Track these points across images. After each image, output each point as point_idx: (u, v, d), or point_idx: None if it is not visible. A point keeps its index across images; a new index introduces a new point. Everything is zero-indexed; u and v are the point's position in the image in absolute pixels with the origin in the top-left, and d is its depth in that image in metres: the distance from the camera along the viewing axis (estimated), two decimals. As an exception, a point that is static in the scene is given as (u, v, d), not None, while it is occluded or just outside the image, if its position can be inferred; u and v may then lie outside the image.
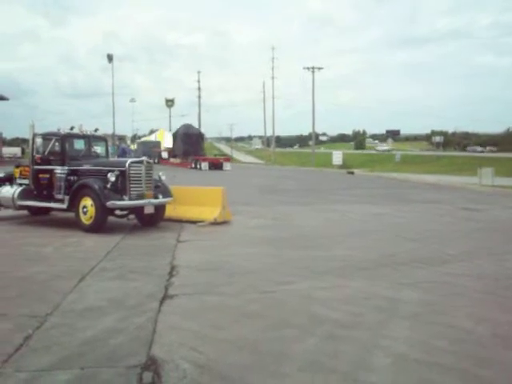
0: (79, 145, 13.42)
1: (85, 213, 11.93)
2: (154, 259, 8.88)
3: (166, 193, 12.95)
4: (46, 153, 13.09)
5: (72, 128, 13.44)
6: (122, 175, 12.01)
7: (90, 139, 13.55)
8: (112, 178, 11.82)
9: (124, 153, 63.83)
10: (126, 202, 11.85)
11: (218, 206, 13.33)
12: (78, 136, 13.47)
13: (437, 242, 10.37)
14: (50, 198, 12.98)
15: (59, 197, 12.70)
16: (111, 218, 12.66)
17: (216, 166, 45.50)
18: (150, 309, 5.91)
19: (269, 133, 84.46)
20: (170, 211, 13.77)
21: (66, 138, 13.09)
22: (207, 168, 44.61)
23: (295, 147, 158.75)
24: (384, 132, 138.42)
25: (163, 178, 13.17)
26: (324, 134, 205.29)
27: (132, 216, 13.25)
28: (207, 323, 5.38)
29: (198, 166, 45.76)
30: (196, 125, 73.85)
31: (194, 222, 13.27)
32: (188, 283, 7.15)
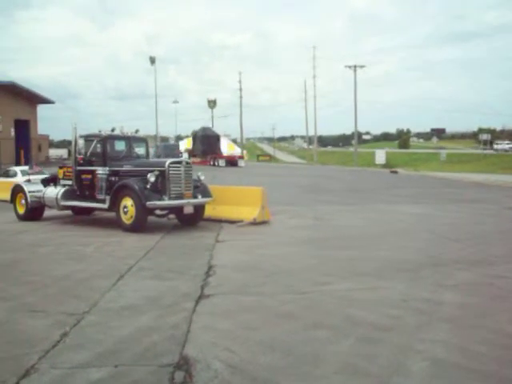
0: (120, 146, 13.67)
1: (125, 213, 12.13)
2: (192, 259, 8.93)
3: (206, 193, 13.02)
4: (88, 154, 13.39)
5: (113, 129, 13.72)
6: (162, 175, 12.15)
7: (130, 140, 13.78)
8: (152, 178, 11.98)
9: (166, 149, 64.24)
10: (166, 202, 11.98)
11: (258, 206, 13.31)
12: (118, 137, 13.72)
13: (482, 243, 10.02)
14: (92, 198, 13.28)
15: (101, 197, 12.97)
16: (152, 218, 12.84)
17: (232, 162, 49.58)
18: (185, 308, 5.93)
19: (311, 132, 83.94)
20: (209, 211, 13.86)
21: (107, 140, 13.35)
22: (224, 165, 48.69)
23: (338, 146, 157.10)
24: (429, 130, 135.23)
25: (202, 178, 13.25)
26: (367, 133, 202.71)
27: (172, 216, 13.39)
28: (241, 324, 5.35)
29: (216, 163, 49.65)
30: (237, 125, 75.00)
31: (233, 222, 13.30)
32: (224, 283, 7.14)
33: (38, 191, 14.43)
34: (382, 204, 17.81)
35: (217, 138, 55.77)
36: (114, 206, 12.43)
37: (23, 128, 45.98)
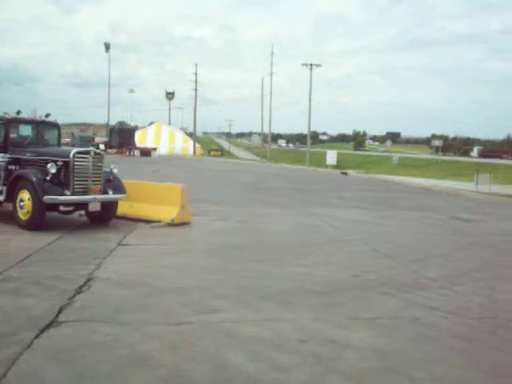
0: (26, 131, 11.96)
1: (22, 207, 10.51)
2: (75, 267, 7.45)
3: (119, 188, 11.50)
4: None
5: (19, 112, 11.98)
6: (66, 166, 10.59)
7: (38, 125, 12.09)
8: (52, 169, 10.39)
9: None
10: (67, 198, 10.41)
11: (177, 206, 11.90)
12: (24, 121, 12.01)
13: (416, 260, 8.92)
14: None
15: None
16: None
17: (146, 153, 54.32)
18: (20, 341, 4.51)
19: (269, 130, 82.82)
20: (126, 208, 12.38)
21: (10, 123, 11.64)
22: (139, 155, 53.40)
23: (291, 145, 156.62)
24: (385, 134, 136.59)
25: (115, 171, 11.68)
26: (324, 133, 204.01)
27: (83, 212, 11.83)
28: (74, 375, 3.95)
29: (132, 154, 53.93)
30: (192, 118, 75.14)
31: (150, 222, 11.89)
32: (93, 304, 5.72)
33: None
34: (322, 207, 16.70)
35: (132, 132, 60.16)
36: (11, 198, 10.78)
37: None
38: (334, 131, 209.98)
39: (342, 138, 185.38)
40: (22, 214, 10.52)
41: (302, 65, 62.52)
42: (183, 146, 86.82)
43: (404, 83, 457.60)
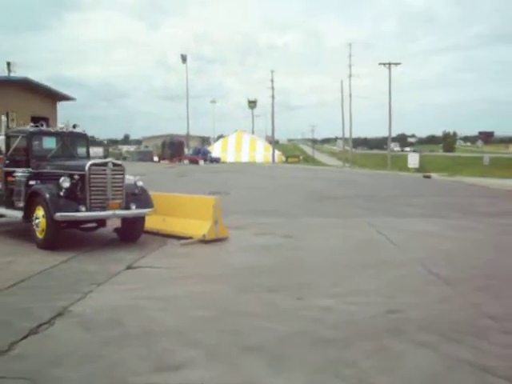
0: (49, 143, 11.23)
1: (37, 225, 9.72)
2: (57, 297, 6.36)
3: (144, 202, 10.41)
4: (12, 152, 11.05)
5: (42, 124, 11.27)
6: (82, 180, 9.65)
7: (63, 137, 11.30)
8: (65, 183, 9.49)
9: (198, 153, 65.89)
10: (80, 214, 9.43)
11: (209, 220, 10.63)
12: (48, 133, 11.30)
13: (482, 288, 6.98)
14: (12, 205, 10.94)
15: (19, 204, 10.55)
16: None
17: (194, 162, 59.27)
18: None
19: (355, 134, 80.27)
20: (159, 223, 11.35)
21: (33, 136, 10.94)
22: (188, 163, 58.67)
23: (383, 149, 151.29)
24: (476, 134, 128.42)
25: (140, 183, 10.58)
26: (413, 136, 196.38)
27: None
28: None
29: (181, 162, 59.65)
30: (280, 125, 76.89)
31: (181, 238, 10.74)
32: (30, 352, 4.56)
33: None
34: (386, 217, 14.77)
35: (180, 144, 68.37)
36: (28, 215, 10.02)
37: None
38: (424, 133, 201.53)
39: (430, 140, 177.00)
40: (39, 232, 9.73)
41: (380, 64, 59.55)
42: (265, 153, 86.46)
43: (497, 79, 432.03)
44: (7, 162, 11.13)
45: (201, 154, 66.84)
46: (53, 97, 48.05)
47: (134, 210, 10.13)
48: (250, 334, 5.00)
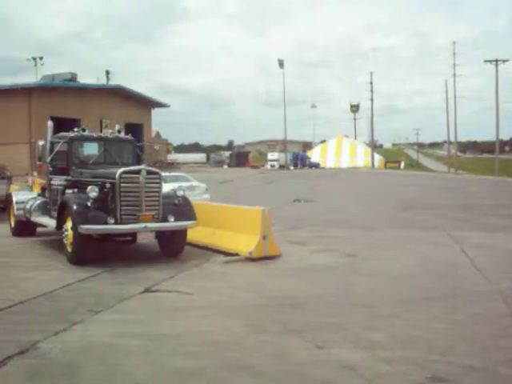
0: (91, 149, 10.55)
1: (66, 237, 9.01)
2: (40, 328, 5.46)
3: (185, 214, 9.36)
4: (49, 160, 10.51)
5: (84, 129, 10.60)
6: (113, 189, 8.78)
7: (106, 143, 10.57)
8: (92, 193, 8.67)
9: (296, 158, 64.87)
10: (106, 227, 8.53)
11: (256, 235, 9.33)
12: (89, 138, 10.61)
13: None
14: (50, 215, 10.44)
15: (55, 214, 9.94)
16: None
17: (255, 167, 62.44)
18: None
19: (464, 138, 75.02)
20: (208, 237, 10.32)
21: (73, 141, 10.30)
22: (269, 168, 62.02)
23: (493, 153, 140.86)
24: None
25: (180, 193, 9.52)
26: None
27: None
28: None
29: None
30: (385, 129, 75.43)
31: (229, 254, 9.58)
32: None
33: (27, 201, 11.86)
34: (476, 231, 12.64)
35: (246, 154, 76.95)
36: (61, 227, 9.34)
37: (136, 132, 45.79)
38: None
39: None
40: (68, 246, 9.00)
41: (485, 61, 54.80)
42: (365, 158, 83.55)
43: None
44: (51, 169, 10.64)
45: (299, 159, 65.54)
46: (147, 104, 49.35)
47: (171, 223, 9.09)
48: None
